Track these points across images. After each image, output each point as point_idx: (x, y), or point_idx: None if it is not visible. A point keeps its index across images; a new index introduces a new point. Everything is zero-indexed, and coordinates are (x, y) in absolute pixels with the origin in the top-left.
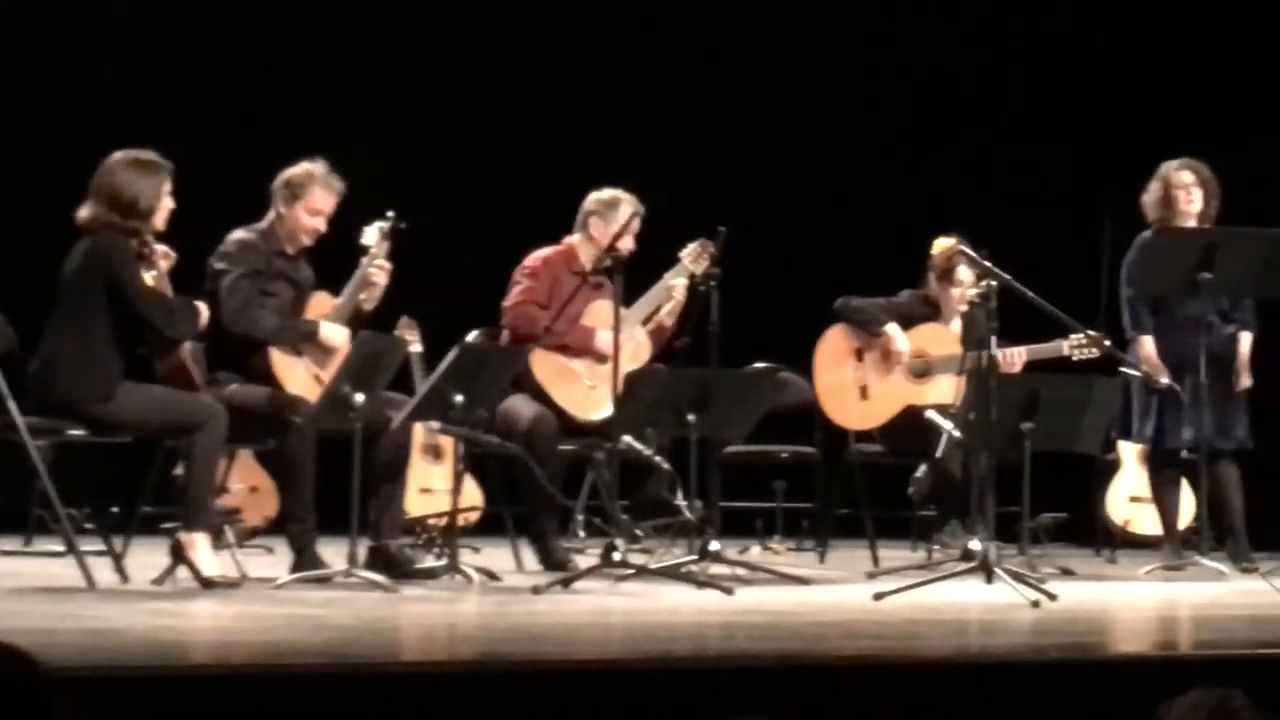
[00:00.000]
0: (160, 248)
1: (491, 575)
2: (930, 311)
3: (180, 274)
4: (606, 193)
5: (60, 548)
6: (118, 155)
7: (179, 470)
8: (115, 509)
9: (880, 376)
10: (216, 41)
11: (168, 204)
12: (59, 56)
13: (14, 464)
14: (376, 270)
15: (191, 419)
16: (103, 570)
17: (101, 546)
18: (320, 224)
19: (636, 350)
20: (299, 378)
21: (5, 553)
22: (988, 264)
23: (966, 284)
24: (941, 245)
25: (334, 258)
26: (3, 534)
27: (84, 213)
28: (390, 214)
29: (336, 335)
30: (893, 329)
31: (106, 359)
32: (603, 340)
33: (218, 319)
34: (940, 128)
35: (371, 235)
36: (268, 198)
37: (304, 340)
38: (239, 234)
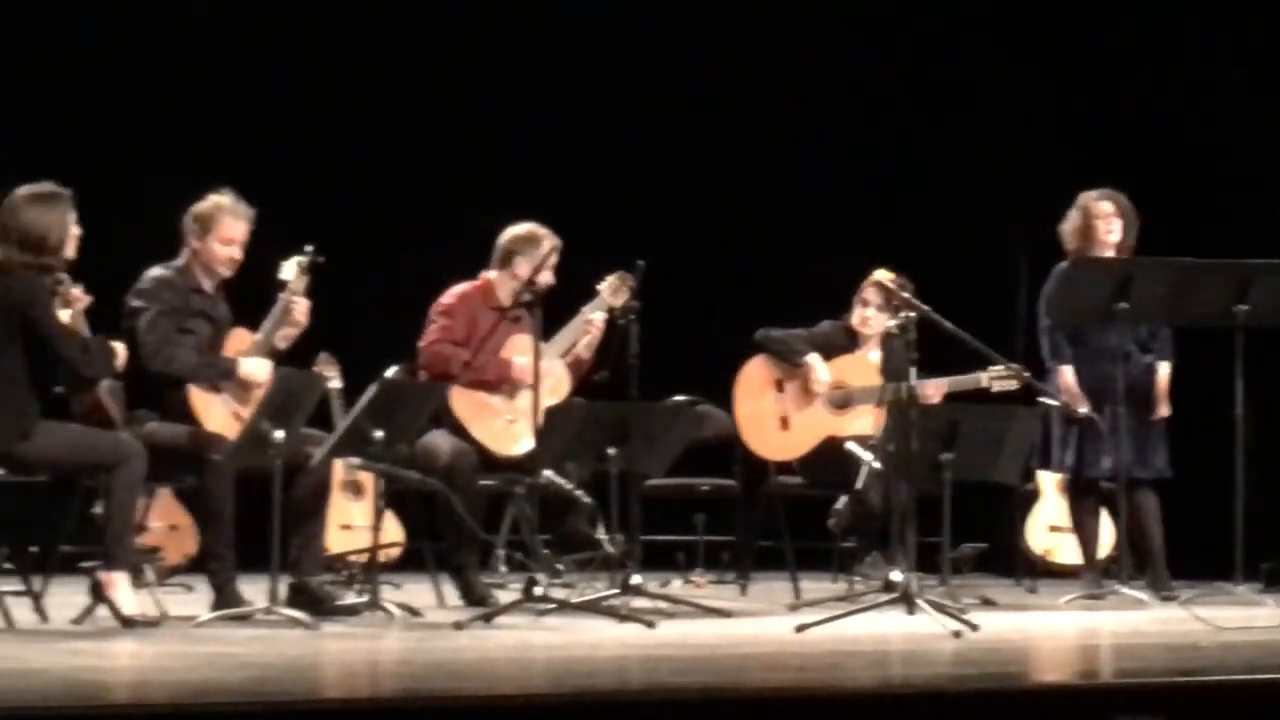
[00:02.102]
0: (75, 290)
1: (413, 611)
2: (850, 342)
3: (95, 313)
4: (524, 227)
5: None
6: (19, 192)
7: (98, 509)
8: (34, 548)
9: (800, 407)
10: (125, 70)
11: (74, 231)
12: None
13: None
14: (296, 306)
15: (110, 457)
16: (22, 610)
17: (20, 586)
18: (235, 253)
19: (556, 384)
20: (218, 415)
21: None
22: (906, 295)
23: (883, 314)
24: (881, 275)
25: (251, 293)
26: None
27: None
28: (309, 248)
29: (257, 370)
30: (813, 359)
31: (23, 398)
32: (519, 367)
33: (136, 357)
34: (858, 157)
35: (290, 270)
36: (179, 235)
37: (223, 378)
38: (155, 271)
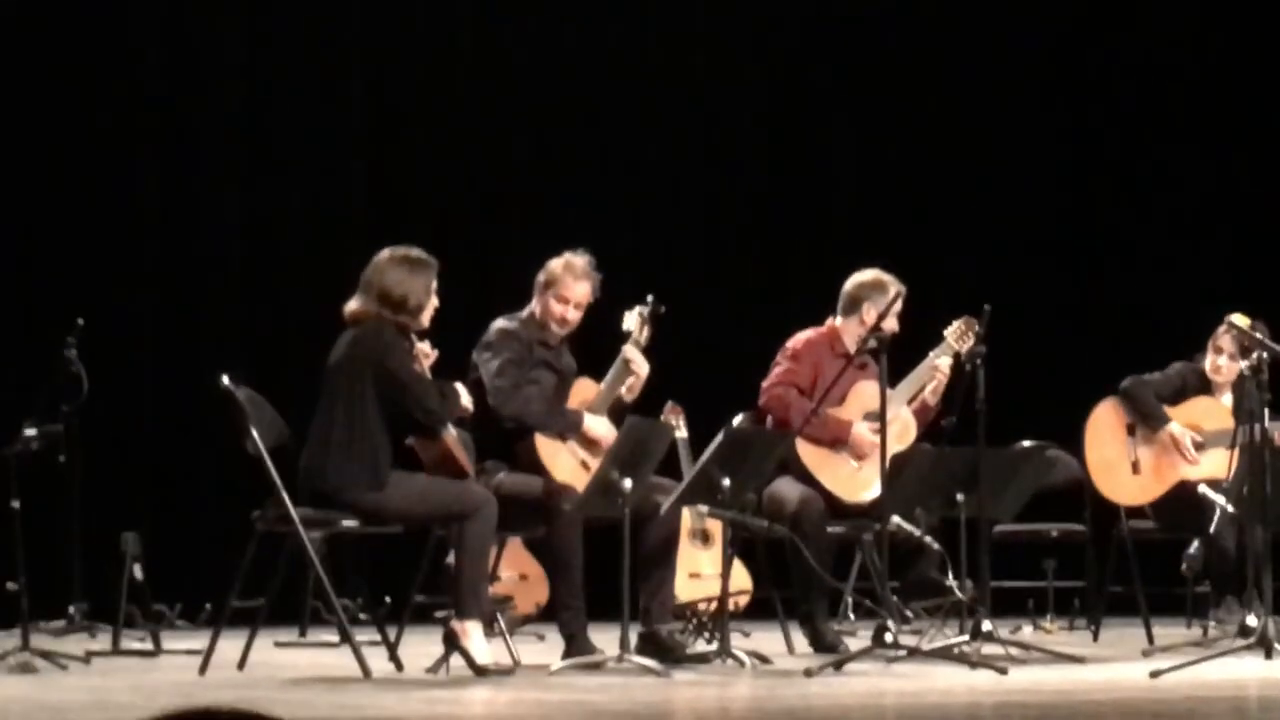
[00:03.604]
0: (422, 346)
1: (763, 659)
2: (1202, 385)
3: (439, 370)
4: (870, 274)
5: (335, 638)
6: (387, 252)
7: (450, 559)
8: (388, 599)
9: (1152, 451)
10: (470, 126)
11: (434, 302)
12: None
13: (288, 556)
14: (636, 357)
15: (462, 507)
16: (378, 659)
17: (376, 636)
18: (571, 314)
19: (902, 430)
20: (566, 465)
21: (281, 644)
22: (1259, 336)
23: (1235, 363)
24: (1236, 319)
25: (597, 343)
26: (279, 625)
27: (353, 305)
28: (650, 298)
29: (600, 428)
30: (1175, 430)
31: (376, 448)
32: (858, 435)
33: (483, 407)
34: (1211, 203)
35: (632, 320)
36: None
37: (569, 429)
38: (500, 323)
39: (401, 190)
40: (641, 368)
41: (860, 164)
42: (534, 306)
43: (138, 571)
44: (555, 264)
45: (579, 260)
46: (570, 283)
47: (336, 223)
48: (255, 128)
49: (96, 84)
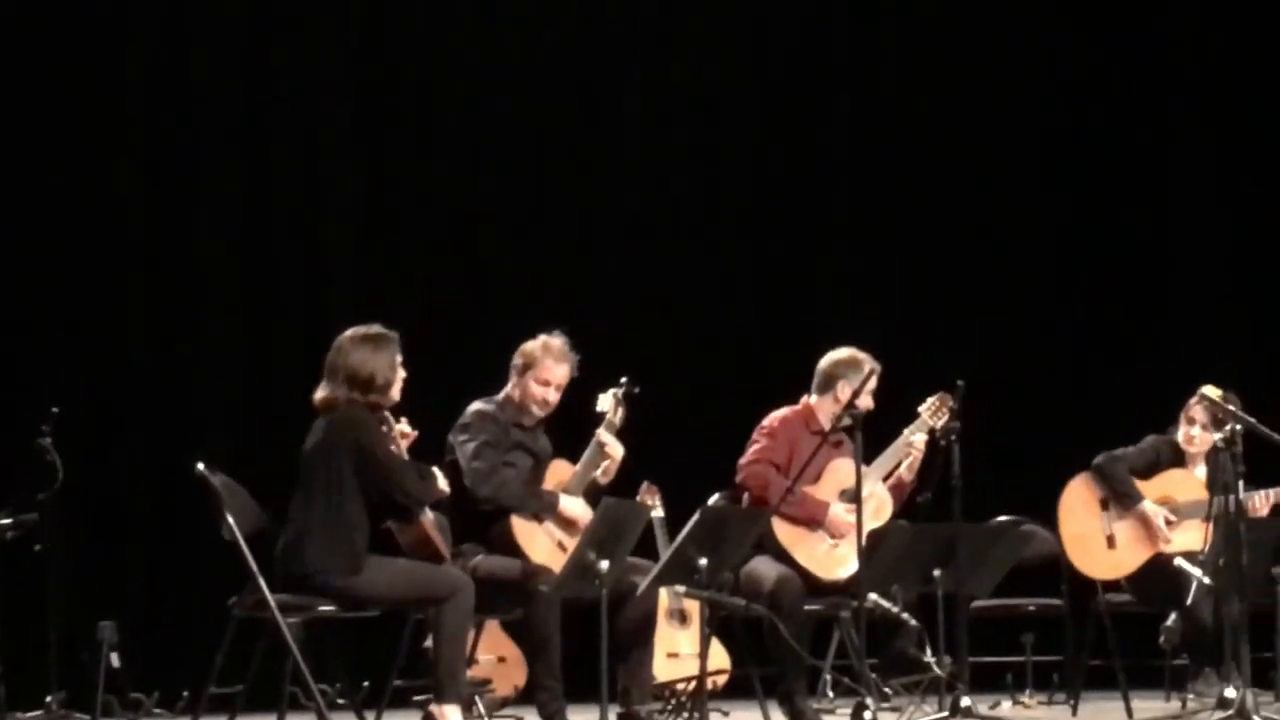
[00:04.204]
0: (401, 426)
1: None
2: (1176, 457)
3: (416, 451)
4: (845, 352)
5: None
6: (348, 333)
7: (428, 643)
8: (366, 683)
9: (1127, 525)
10: (440, 215)
11: (401, 374)
12: (292, 234)
13: (265, 641)
14: (610, 441)
15: (439, 591)
16: None
17: None
18: (551, 395)
19: (878, 507)
20: (542, 546)
21: None
22: (1232, 409)
23: (1209, 433)
24: (1207, 391)
25: (572, 426)
26: (257, 712)
27: (322, 392)
28: (624, 380)
29: (576, 508)
30: (1148, 508)
31: (353, 532)
32: (834, 516)
33: (459, 490)
34: (1189, 275)
35: (606, 402)
36: (508, 370)
37: (545, 510)
38: (476, 405)
39: (385, 271)
40: (616, 451)
41: (836, 241)
42: (511, 389)
43: (115, 660)
44: (532, 346)
45: (556, 341)
46: (550, 364)
47: (316, 313)
48: (244, 214)
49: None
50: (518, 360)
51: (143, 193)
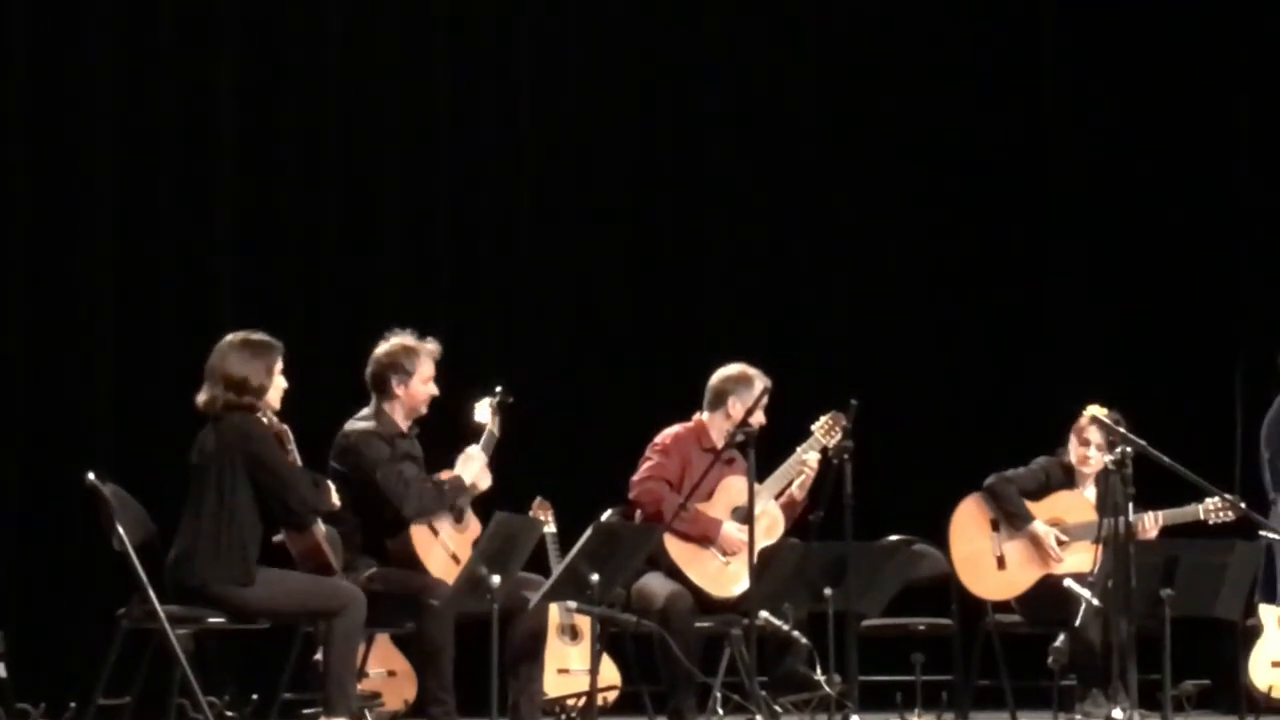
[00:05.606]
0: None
1: None
2: (1066, 479)
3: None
4: (735, 368)
5: None
6: (228, 338)
7: (318, 656)
8: (255, 695)
9: (1017, 546)
10: (329, 220)
11: (280, 383)
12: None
13: (154, 653)
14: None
15: (331, 604)
16: None
17: None
18: (434, 389)
19: (770, 525)
20: (438, 559)
21: None
22: (1121, 430)
23: (1102, 453)
24: (1093, 412)
25: (445, 435)
26: None
27: (202, 396)
28: (499, 388)
29: (473, 465)
30: (1039, 528)
31: (245, 544)
32: (726, 534)
33: (351, 506)
34: (1061, 298)
35: (483, 412)
36: (366, 386)
37: (461, 494)
38: (357, 427)
39: (265, 286)
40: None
41: (728, 258)
42: (381, 403)
43: (1, 670)
44: (394, 350)
45: (410, 339)
46: (425, 360)
47: (205, 322)
48: (126, 223)
49: None
50: (386, 372)
51: (30, 194)
